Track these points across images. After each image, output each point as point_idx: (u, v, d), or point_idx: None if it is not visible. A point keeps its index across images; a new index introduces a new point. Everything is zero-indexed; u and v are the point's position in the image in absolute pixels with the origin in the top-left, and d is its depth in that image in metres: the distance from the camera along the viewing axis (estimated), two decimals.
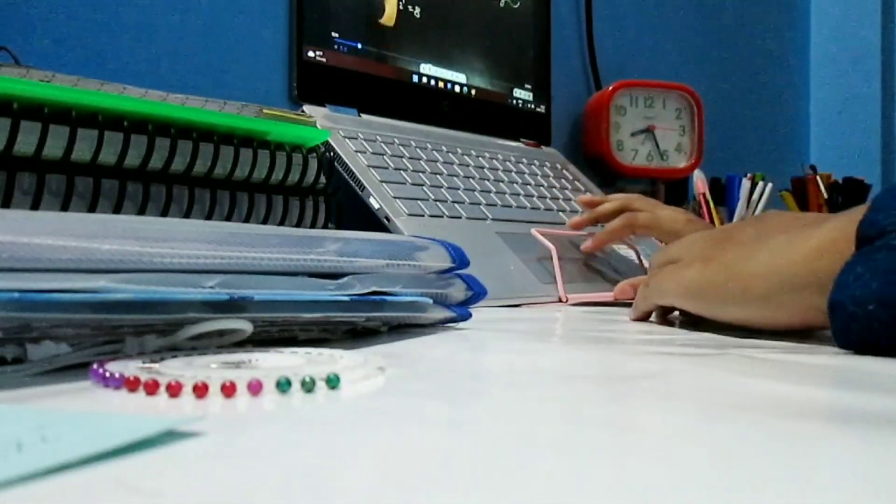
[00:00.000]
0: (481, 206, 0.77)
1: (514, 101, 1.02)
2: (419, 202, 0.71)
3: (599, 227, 0.79)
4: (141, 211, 0.47)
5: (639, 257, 0.81)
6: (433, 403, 0.25)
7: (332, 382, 0.25)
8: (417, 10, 0.89)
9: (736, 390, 0.28)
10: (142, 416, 0.22)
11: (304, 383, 0.25)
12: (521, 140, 1.00)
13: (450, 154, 0.83)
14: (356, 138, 0.75)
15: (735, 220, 1.19)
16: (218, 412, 0.22)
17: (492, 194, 0.81)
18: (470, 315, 0.45)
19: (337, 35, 0.80)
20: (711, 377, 0.31)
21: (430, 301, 0.40)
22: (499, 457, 0.18)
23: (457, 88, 0.93)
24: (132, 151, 0.46)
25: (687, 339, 0.42)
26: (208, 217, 0.50)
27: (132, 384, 0.24)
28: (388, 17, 0.85)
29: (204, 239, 0.30)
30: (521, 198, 0.84)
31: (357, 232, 0.40)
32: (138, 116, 0.47)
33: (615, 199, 0.79)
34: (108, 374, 0.25)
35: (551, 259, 0.70)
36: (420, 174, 0.76)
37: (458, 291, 0.43)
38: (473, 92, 0.95)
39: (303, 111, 0.72)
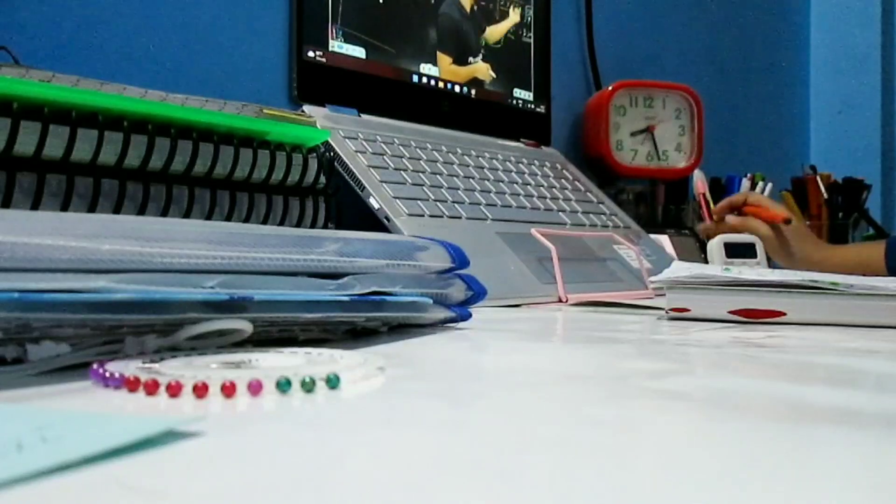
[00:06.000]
0: (481, 206, 0.77)
1: (514, 101, 1.02)
2: (419, 202, 0.71)
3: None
4: (141, 211, 0.47)
5: (639, 257, 0.81)
6: (433, 403, 0.25)
7: (332, 382, 0.25)
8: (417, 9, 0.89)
9: (735, 390, 0.28)
10: (142, 416, 0.22)
11: (304, 383, 0.25)
12: (521, 140, 1.00)
13: (450, 154, 0.83)
14: (356, 138, 0.75)
15: None
16: (218, 412, 0.22)
17: (492, 194, 0.81)
18: (470, 315, 0.45)
19: (337, 35, 0.80)
20: (711, 377, 0.31)
21: (430, 301, 0.40)
22: (499, 457, 0.18)
23: (457, 88, 0.93)
24: (132, 151, 0.46)
25: (686, 340, 0.42)
26: (208, 217, 0.50)
27: (132, 384, 0.24)
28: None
29: (204, 239, 0.30)
30: (521, 198, 0.84)
31: (357, 232, 0.40)
32: (138, 116, 0.47)
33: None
34: (108, 374, 0.25)
35: (551, 259, 0.70)
36: (420, 174, 0.76)
37: (458, 291, 0.43)
38: (473, 92, 0.95)
39: (303, 111, 0.72)
